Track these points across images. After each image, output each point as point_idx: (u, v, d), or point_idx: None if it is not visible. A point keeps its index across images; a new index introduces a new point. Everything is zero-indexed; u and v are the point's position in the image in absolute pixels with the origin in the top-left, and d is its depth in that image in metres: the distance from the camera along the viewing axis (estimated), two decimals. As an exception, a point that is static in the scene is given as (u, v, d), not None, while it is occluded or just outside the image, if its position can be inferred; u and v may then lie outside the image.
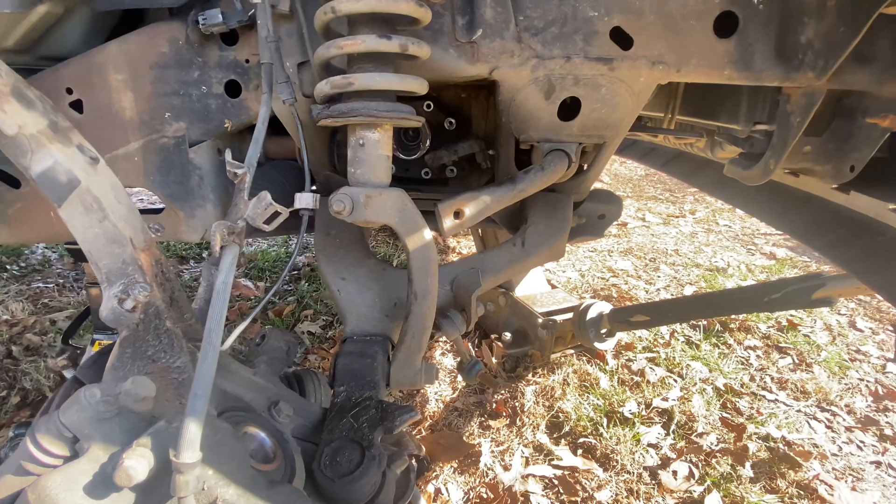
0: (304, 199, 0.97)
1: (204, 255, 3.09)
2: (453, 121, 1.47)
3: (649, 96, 1.11)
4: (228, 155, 0.69)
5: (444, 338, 1.12)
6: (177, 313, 0.71)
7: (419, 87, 0.92)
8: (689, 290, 3.10)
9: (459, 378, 2.01)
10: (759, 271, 3.52)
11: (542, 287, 2.30)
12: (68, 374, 0.84)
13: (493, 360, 2.11)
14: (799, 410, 2.08)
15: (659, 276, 3.28)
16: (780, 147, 1.17)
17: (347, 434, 0.89)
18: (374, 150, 0.93)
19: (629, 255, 3.62)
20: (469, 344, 2.22)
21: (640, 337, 2.38)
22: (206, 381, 0.51)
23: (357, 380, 0.98)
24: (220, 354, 0.85)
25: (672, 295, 3.02)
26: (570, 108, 1.11)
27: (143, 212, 1.31)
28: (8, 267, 2.88)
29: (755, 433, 1.87)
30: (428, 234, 0.99)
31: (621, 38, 1.02)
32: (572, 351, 2.14)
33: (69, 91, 1.14)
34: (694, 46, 1.02)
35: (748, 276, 3.40)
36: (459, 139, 1.49)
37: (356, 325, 1.11)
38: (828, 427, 2.01)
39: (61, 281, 2.75)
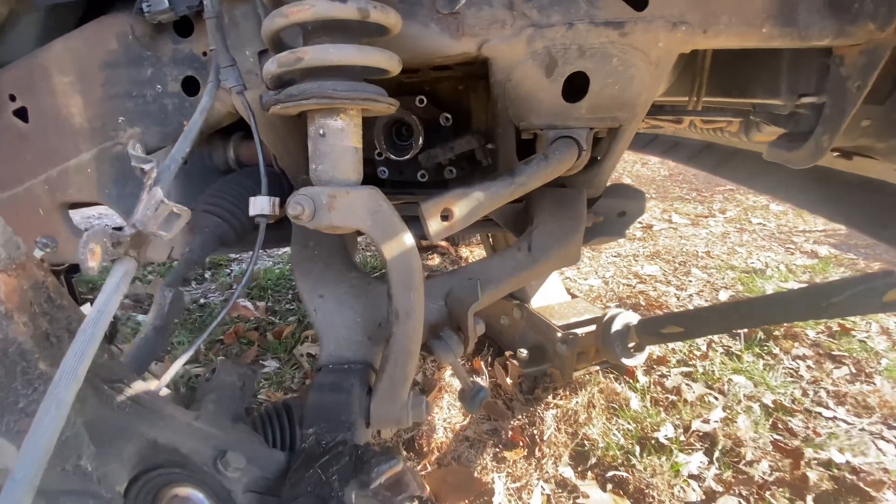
0: (260, 204, 0.83)
1: (207, 275, 2.99)
2: (449, 116, 1.31)
3: (670, 68, 0.94)
4: (135, 147, 0.54)
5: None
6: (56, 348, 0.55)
7: (387, 61, 0.76)
8: (724, 296, 2.85)
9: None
10: (801, 272, 3.24)
11: (560, 297, 2.10)
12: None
13: (508, 380, 1.91)
14: (862, 429, 1.81)
15: (690, 281, 3.03)
16: (836, 119, 0.97)
17: (313, 489, 0.72)
18: (337, 140, 0.77)
19: (656, 258, 3.38)
20: (481, 363, 2.03)
21: (673, 349, 2.15)
22: (36, 453, 0.35)
23: (329, 420, 0.81)
24: (150, 396, 0.69)
25: (707, 301, 2.77)
26: (576, 87, 0.94)
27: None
28: None
29: (814, 458, 1.63)
30: (409, 239, 0.82)
31: (634, -3, 0.85)
32: (597, 368, 1.93)
33: (12, 98, 1.04)
34: (723, 1, 0.85)
35: (789, 278, 3.12)
36: (457, 136, 1.33)
37: (333, 351, 0.95)
38: (898, 447, 1.74)
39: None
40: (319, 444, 0.79)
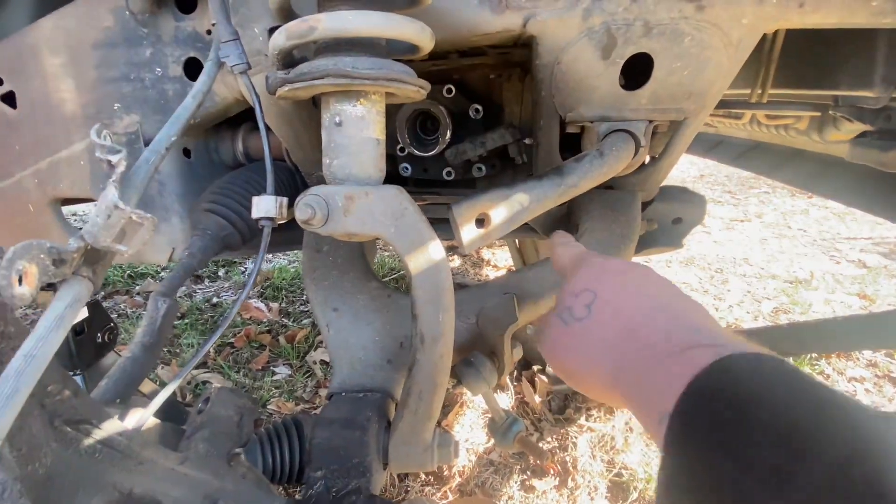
0: (265, 205, 0.70)
1: (220, 272, 2.90)
2: (480, 108, 1.17)
3: (752, 48, 0.79)
4: (101, 134, 0.41)
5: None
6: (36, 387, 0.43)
7: (418, 34, 0.63)
8: (768, 307, 2.65)
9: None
10: (849, 282, 3.01)
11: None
12: None
13: (536, 398, 1.77)
14: (932, 462, 1.63)
15: (729, 291, 2.84)
16: (952, 114, 0.81)
17: (320, 552, 0.60)
18: (356, 130, 0.64)
19: (691, 265, 3.19)
20: (506, 379, 1.89)
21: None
22: None
23: (340, 462, 0.69)
24: (125, 438, 0.57)
25: (749, 313, 2.58)
26: (636, 72, 0.80)
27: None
28: None
29: (882, 496, 1.45)
30: (438, 250, 0.69)
31: (714, -38, 0.71)
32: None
33: (-1, 81, 0.93)
34: (826, -32, 0.70)
35: (837, 289, 2.90)
36: (488, 130, 1.19)
37: (347, 377, 0.82)
38: (974, 485, 1.55)
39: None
40: (329, 491, 0.67)
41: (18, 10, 0.99)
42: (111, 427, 0.55)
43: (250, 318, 2.33)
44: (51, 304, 0.37)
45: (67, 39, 0.91)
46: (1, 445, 0.35)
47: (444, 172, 1.25)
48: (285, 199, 0.71)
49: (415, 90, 0.64)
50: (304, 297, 2.54)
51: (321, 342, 2.15)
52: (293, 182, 1.12)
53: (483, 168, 1.23)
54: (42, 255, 0.36)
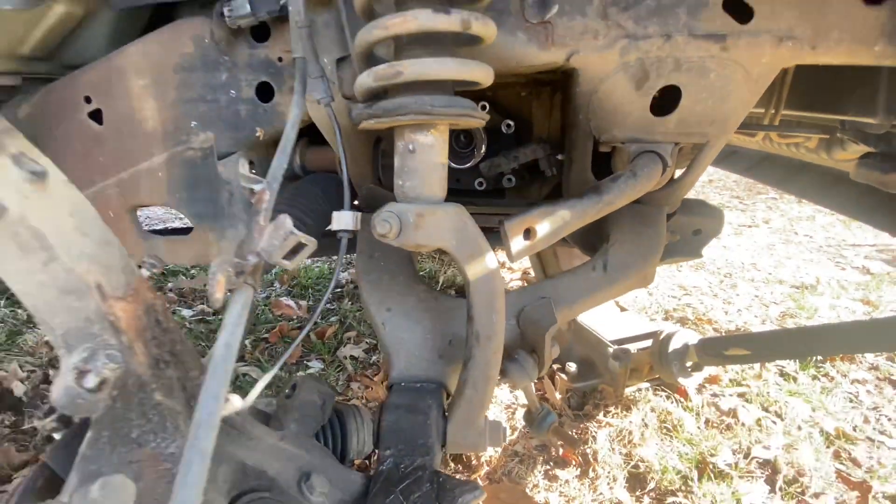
0: (344, 219, 0.80)
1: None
2: (511, 123, 1.27)
3: (770, 81, 0.88)
4: (244, 167, 0.52)
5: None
6: (180, 371, 0.53)
7: (484, 75, 0.73)
8: (775, 311, 2.74)
9: (518, 417, 1.78)
10: (853, 288, 3.10)
11: (609, 308, 2.04)
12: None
13: (557, 395, 1.87)
14: (930, 461, 1.72)
15: (738, 295, 2.93)
16: (948, 143, 0.90)
17: (395, 517, 0.70)
18: (427, 156, 0.74)
19: (701, 269, 3.28)
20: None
21: (725, 369, 2.08)
22: (191, 494, 0.33)
23: (407, 442, 0.79)
24: (240, 415, 0.67)
25: (757, 317, 2.67)
26: (665, 100, 0.90)
27: (168, 233, 1.18)
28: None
29: (881, 491, 1.54)
30: (493, 260, 0.79)
31: (738, 9, 0.80)
32: (647, 385, 1.87)
33: (87, 100, 1.04)
34: (834, 16, 0.80)
35: (841, 295, 2.99)
36: (519, 144, 1.29)
37: (404, 369, 0.92)
38: (969, 483, 1.64)
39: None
40: (398, 467, 0.77)
41: (97, 34, 1.09)
42: (230, 407, 0.66)
43: (281, 314, 2.44)
44: (229, 307, 0.47)
45: (151, 63, 1.01)
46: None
47: (475, 183, 1.36)
48: (359, 214, 0.82)
49: (479, 122, 0.75)
50: (330, 295, 2.65)
51: (350, 339, 2.26)
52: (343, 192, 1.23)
53: (513, 179, 1.33)
54: (229, 269, 0.46)
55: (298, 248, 0.50)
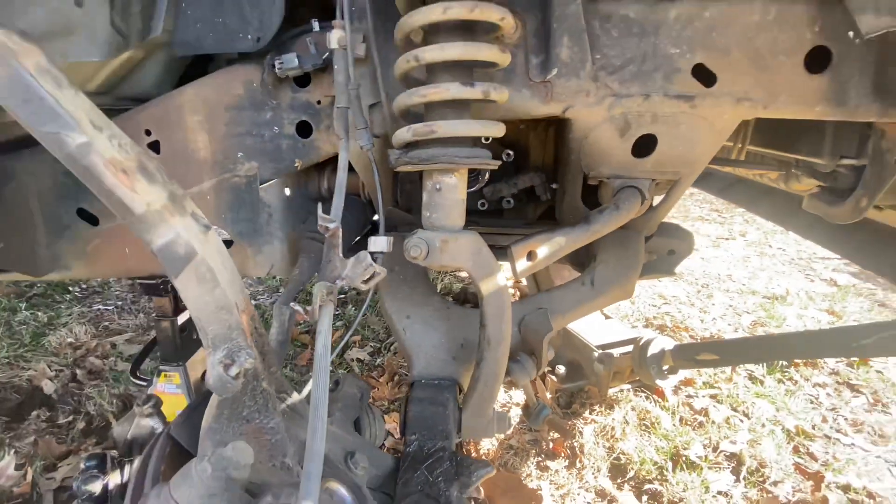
0: (379, 243, 0.96)
1: (255, 278, 3.15)
2: (511, 153, 1.45)
3: (731, 132, 1.07)
4: (319, 209, 0.68)
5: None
6: (266, 368, 0.70)
7: (498, 132, 0.90)
8: (747, 320, 2.95)
9: (513, 415, 1.96)
10: (820, 299, 3.33)
11: (594, 317, 2.23)
12: (152, 421, 0.85)
13: (548, 394, 2.05)
14: (878, 457, 1.92)
15: (713, 304, 3.14)
16: (875, 185, 1.10)
17: (423, 489, 0.86)
18: (450, 194, 0.91)
19: (680, 280, 3.50)
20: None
21: (699, 372, 2.27)
22: (317, 460, 0.49)
23: (429, 428, 0.95)
24: (301, 404, 0.83)
25: (730, 325, 2.88)
26: (644, 145, 1.07)
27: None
28: (70, 288, 3.01)
29: (834, 482, 1.74)
30: (503, 278, 0.96)
31: (704, 75, 0.98)
32: (628, 386, 2.06)
33: (148, 133, 1.18)
34: (783, 83, 0.97)
35: (809, 305, 3.22)
36: (517, 171, 1.47)
37: (424, 368, 1.09)
38: (912, 476, 1.85)
39: (120, 303, 2.86)
40: (422, 449, 0.93)
41: (150, 72, 1.23)
42: (294, 396, 0.82)
43: (288, 319, 2.57)
44: (321, 320, 0.62)
45: (205, 102, 1.16)
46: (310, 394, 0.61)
47: (478, 203, 1.53)
48: (392, 238, 0.98)
49: (493, 167, 0.92)
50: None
51: (355, 343, 2.41)
52: (364, 212, 1.40)
53: (511, 201, 1.51)
54: (324, 289, 0.62)
55: (374, 275, 0.66)
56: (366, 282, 0.66)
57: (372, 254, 1.00)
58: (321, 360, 0.56)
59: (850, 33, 0.94)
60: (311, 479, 0.47)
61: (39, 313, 2.51)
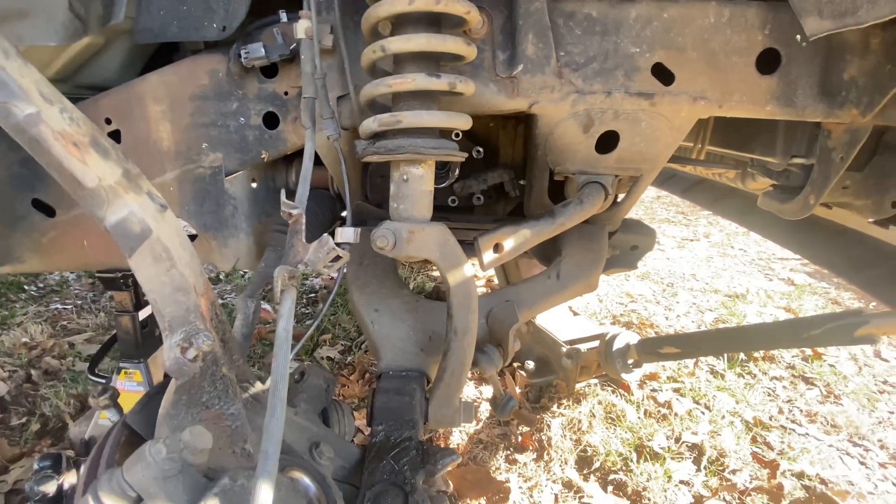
0: (346, 234, 0.96)
1: (222, 276, 3.09)
2: (481, 150, 1.47)
3: (689, 130, 1.11)
4: (283, 195, 0.68)
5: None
6: (227, 355, 0.69)
7: (464, 123, 0.91)
8: (709, 317, 3.06)
9: (483, 410, 1.97)
10: (778, 297, 3.47)
11: (563, 313, 2.27)
12: (110, 413, 0.83)
13: (517, 389, 2.07)
14: (831, 445, 2.02)
15: (678, 303, 3.24)
16: (822, 182, 1.15)
17: (389, 477, 0.86)
18: (417, 185, 0.92)
19: (646, 279, 3.59)
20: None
21: (663, 366, 2.34)
22: (275, 439, 0.49)
23: (396, 419, 0.96)
24: (264, 394, 0.83)
25: (694, 322, 2.98)
26: (607, 141, 1.10)
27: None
28: (26, 287, 2.88)
29: (789, 470, 1.82)
30: (469, 269, 0.97)
31: (663, 74, 1.02)
32: (595, 381, 2.10)
33: (108, 121, 1.15)
34: (736, 82, 1.02)
35: (768, 303, 3.35)
36: (487, 168, 1.49)
37: (392, 360, 1.09)
38: (861, 463, 1.94)
39: (79, 302, 2.75)
40: (389, 439, 0.94)
41: (111, 60, 1.20)
42: (257, 386, 0.81)
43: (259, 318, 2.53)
44: (282, 302, 0.62)
45: (169, 91, 1.14)
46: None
47: (449, 200, 1.54)
48: (360, 229, 0.98)
49: (459, 158, 0.93)
50: (304, 301, 2.77)
51: (325, 341, 2.39)
52: (333, 206, 1.39)
53: (481, 198, 1.52)
54: (285, 273, 0.61)
55: (336, 259, 0.66)
56: (328, 266, 0.66)
57: (338, 245, 1.00)
58: (282, 343, 0.56)
59: (798, 36, 0.99)
60: (268, 459, 0.47)
61: (-9, 312, 2.40)
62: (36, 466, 1.05)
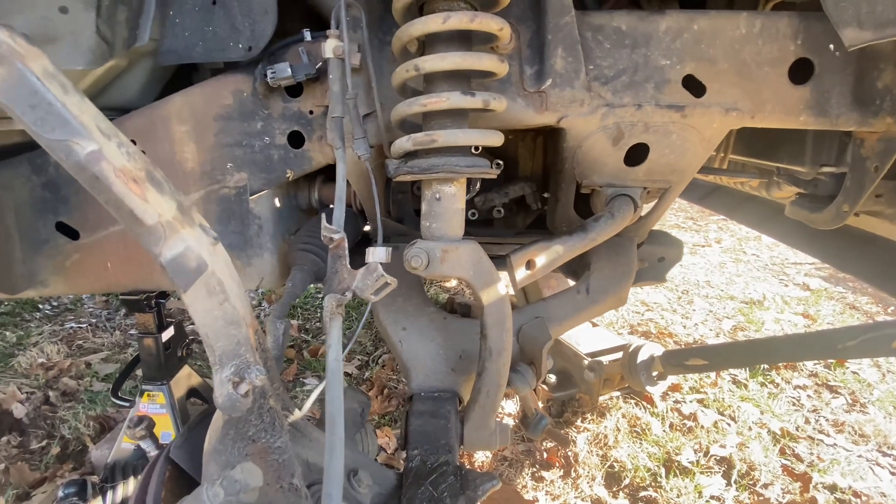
0: (378, 254, 0.94)
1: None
2: (501, 162, 1.45)
3: (719, 141, 1.09)
4: (324, 219, 0.67)
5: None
6: (271, 385, 0.67)
7: (497, 140, 0.90)
8: (727, 325, 3.02)
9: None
10: (795, 303, 3.43)
11: (583, 325, 2.24)
12: (145, 444, 0.81)
13: (539, 403, 2.04)
14: (860, 456, 1.97)
15: (694, 310, 3.20)
16: (856, 192, 1.13)
17: (428, 504, 0.84)
18: (450, 203, 0.91)
19: (661, 287, 3.56)
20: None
21: (685, 377, 2.31)
22: (337, 480, 0.47)
23: (431, 443, 0.93)
24: (304, 422, 0.81)
25: (712, 330, 2.94)
26: (636, 154, 1.09)
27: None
28: (40, 306, 2.88)
29: (820, 482, 1.78)
30: (503, 288, 0.96)
31: (694, 86, 1.00)
32: (618, 393, 2.07)
33: (133, 142, 1.15)
34: (769, 93, 1.00)
35: (785, 309, 3.31)
36: (507, 180, 1.47)
37: (423, 381, 1.07)
38: (893, 473, 1.90)
39: (94, 321, 2.75)
40: (425, 464, 0.91)
41: (134, 80, 1.20)
42: (297, 413, 0.79)
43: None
44: (331, 332, 0.61)
45: (193, 112, 1.13)
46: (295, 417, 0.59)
47: (469, 213, 1.53)
48: (391, 249, 0.96)
49: (492, 176, 0.92)
50: (319, 315, 2.75)
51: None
52: (356, 223, 1.38)
53: (502, 211, 1.51)
54: (333, 301, 0.60)
55: (385, 286, 0.65)
56: (376, 293, 0.64)
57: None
58: (334, 375, 0.55)
59: (831, 46, 0.98)
60: (332, 501, 0.45)
61: (7, 333, 2.39)
62: (61, 494, 1.04)
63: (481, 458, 1.77)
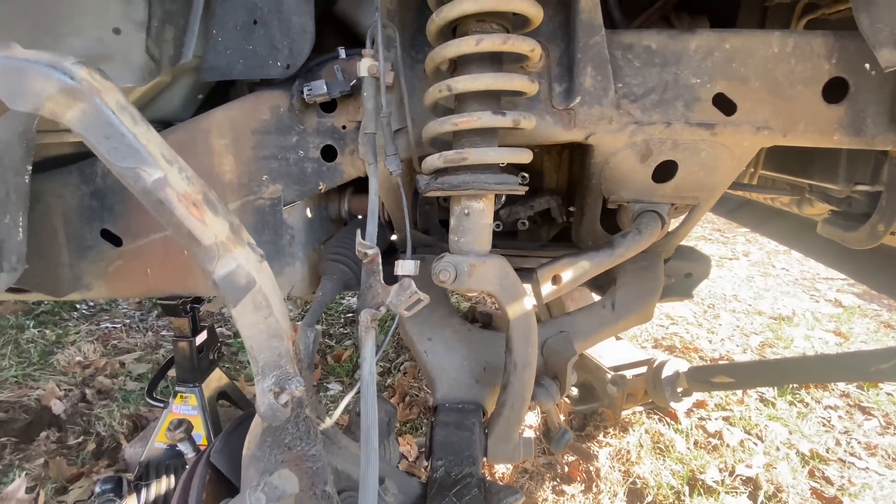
0: (407, 267, 0.97)
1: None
2: (526, 175, 1.47)
3: (750, 159, 1.09)
4: (359, 235, 0.69)
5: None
6: (308, 393, 0.70)
7: (526, 158, 0.92)
8: (755, 341, 2.95)
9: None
10: (826, 320, 3.34)
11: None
12: (183, 446, 0.84)
13: (561, 416, 2.03)
14: (893, 481, 1.91)
15: (720, 325, 3.14)
16: (892, 211, 1.11)
17: (452, 515, 0.86)
18: (478, 219, 0.92)
19: (686, 301, 3.50)
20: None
21: (710, 393, 2.27)
22: (372, 490, 0.49)
23: (456, 454, 0.95)
24: (334, 430, 0.83)
25: (738, 346, 2.88)
26: (665, 171, 1.09)
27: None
28: (77, 306, 3.00)
29: (851, 507, 1.73)
30: (529, 302, 0.97)
31: (724, 104, 1.00)
32: (641, 408, 2.05)
33: (175, 156, 1.20)
34: (801, 112, 1.00)
35: (816, 326, 3.22)
36: (533, 193, 1.49)
37: (448, 392, 1.09)
38: (929, 501, 1.83)
39: (128, 321, 2.85)
40: (449, 475, 0.93)
41: (176, 96, 1.25)
42: (327, 421, 0.82)
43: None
44: (365, 343, 0.63)
45: (233, 126, 1.18)
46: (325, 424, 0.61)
47: (493, 225, 1.54)
48: (419, 262, 0.99)
49: (520, 192, 0.93)
50: (342, 321, 2.80)
51: (365, 363, 2.39)
52: (384, 234, 1.41)
53: (526, 223, 1.52)
54: (368, 316, 0.62)
55: (418, 301, 0.67)
56: (408, 308, 0.66)
57: (401, 276, 1.01)
58: (368, 387, 0.57)
59: (867, 65, 0.97)
60: (367, 511, 0.47)
61: (47, 331, 2.50)
62: (97, 490, 1.08)
63: (502, 469, 1.78)
